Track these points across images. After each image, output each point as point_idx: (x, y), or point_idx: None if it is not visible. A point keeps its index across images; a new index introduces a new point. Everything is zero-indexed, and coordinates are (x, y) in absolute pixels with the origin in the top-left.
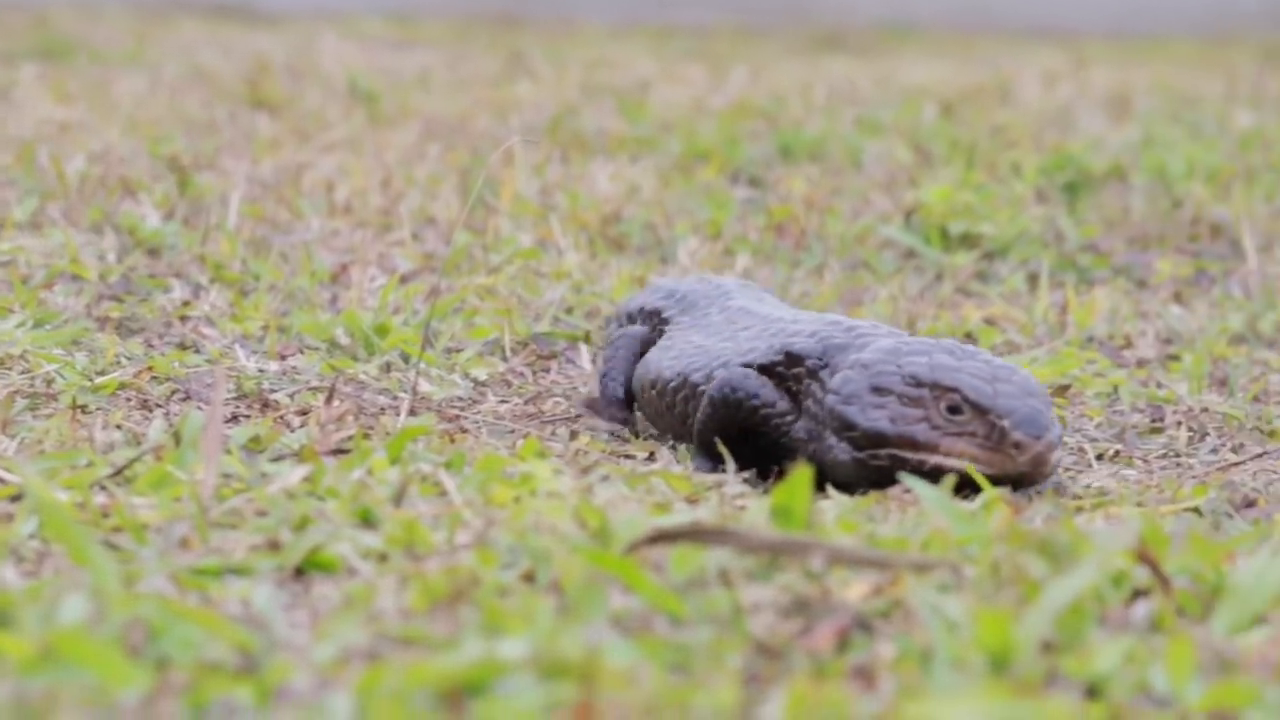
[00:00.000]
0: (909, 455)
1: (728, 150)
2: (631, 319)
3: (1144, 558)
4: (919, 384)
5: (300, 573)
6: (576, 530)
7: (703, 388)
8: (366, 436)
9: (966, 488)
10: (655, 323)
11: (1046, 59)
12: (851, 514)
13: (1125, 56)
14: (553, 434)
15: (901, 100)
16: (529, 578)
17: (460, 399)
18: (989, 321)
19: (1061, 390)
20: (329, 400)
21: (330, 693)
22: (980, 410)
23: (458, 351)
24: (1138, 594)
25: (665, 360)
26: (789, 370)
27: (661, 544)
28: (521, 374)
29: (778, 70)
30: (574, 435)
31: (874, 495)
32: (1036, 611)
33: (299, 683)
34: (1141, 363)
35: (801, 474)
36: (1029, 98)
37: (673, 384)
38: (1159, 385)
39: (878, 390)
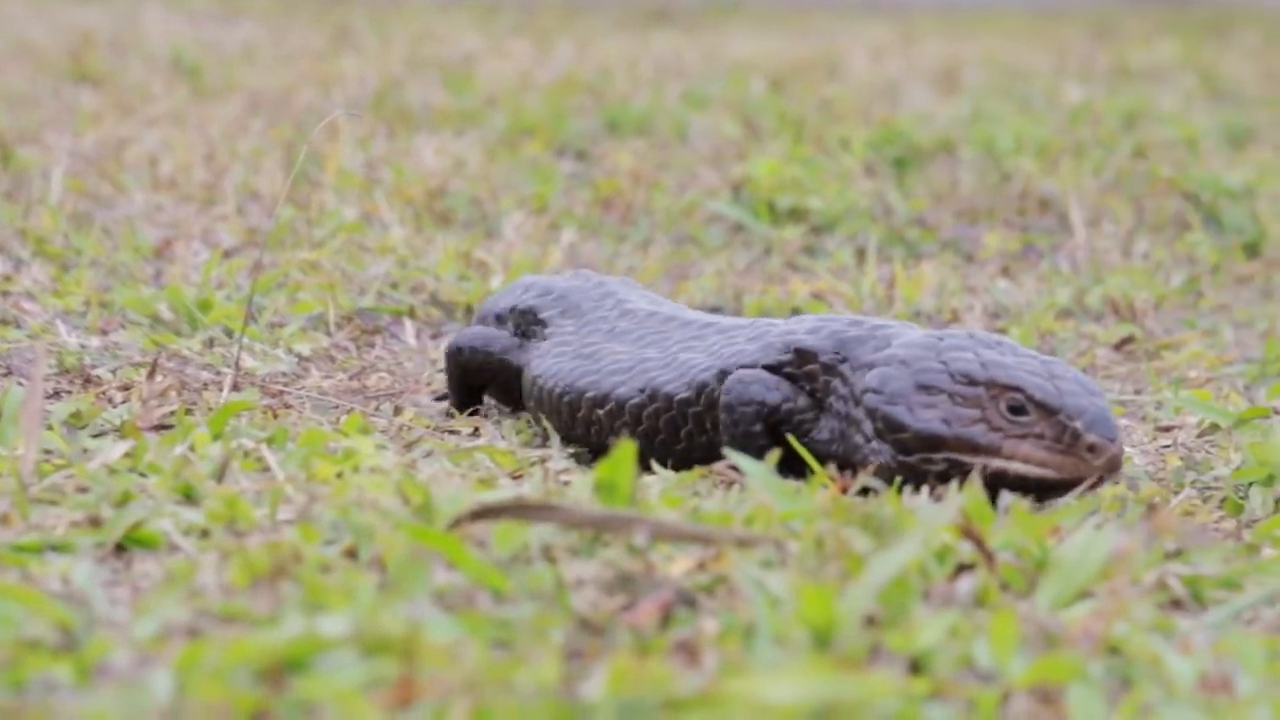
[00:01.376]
0: (967, 459)
1: (554, 124)
2: (501, 320)
3: (968, 532)
4: (973, 381)
5: (121, 549)
6: (399, 506)
7: (682, 396)
8: (189, 412)
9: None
10: (527, 323)
11: (875, 33)
12: (675, 489)
13: (954, 30)
14: (377, 409)
15: (729, 74)
16: (351, 554)
17: (284, 374)
18: (816, 296)
19: None
20: (151, 375)
21: (150, 670)
22: (1048, 410)
23: (281, 326)
24: (962, 569)
25: (591, 373)
26: (800, 369)
27: (485, 520)
28: (346, 349)
29: (604, 44)
30: (398, 411)
31: (698, 470)
32: (860, 586)
33: (119, 660)
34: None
35: (625, 449)
36: (857, 72)
37: (634, 401)
38: None
39: (925, 389)
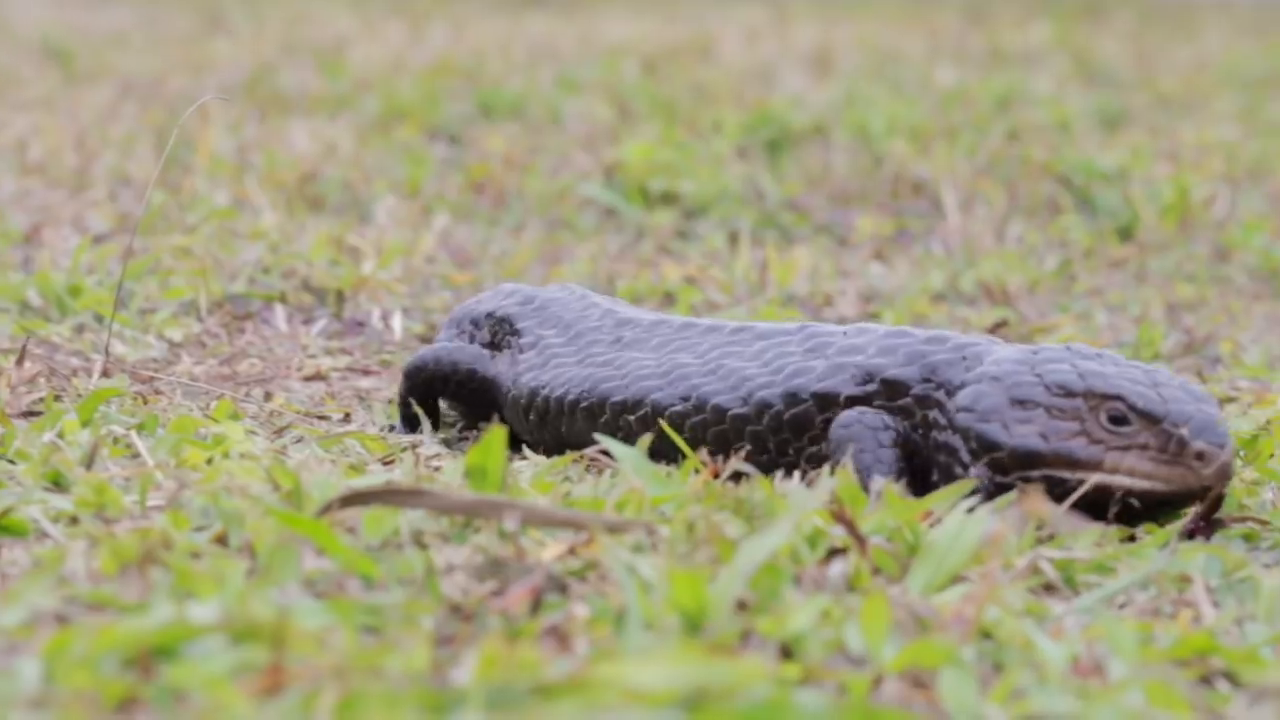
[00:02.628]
0: (1068, 475)
1: (427, 108)
2: (477, 324)
3: (840, 517)
4: (1070, 393)
5: None
6: (269, 492)
7: (738, 413)
8: (58, 398)
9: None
10: (503, 332)
11: (749, 16)
12: (547, 474)
13: (828, 13)
14: (247, 395)
15: (603, 58)
16: (221, 540)
17: (154, 360)
18: (689, 280)
19: None
20: (20, 362)
21: (18, 657)
22: (1151, 419)
23: (152, 312)
24: (834, 553)
25: (615, 378)
26: (891, 403)
27: (355, 506)
28: (217, 335)
29: (479, 27)
30: (269, 396)
31: (570, 455)
32: (731, 571)
33: None
34: (842, 320)
35: (496, 433)
36: (731, 55)
37: (677, 409)
38: None
39: (1020, 403)
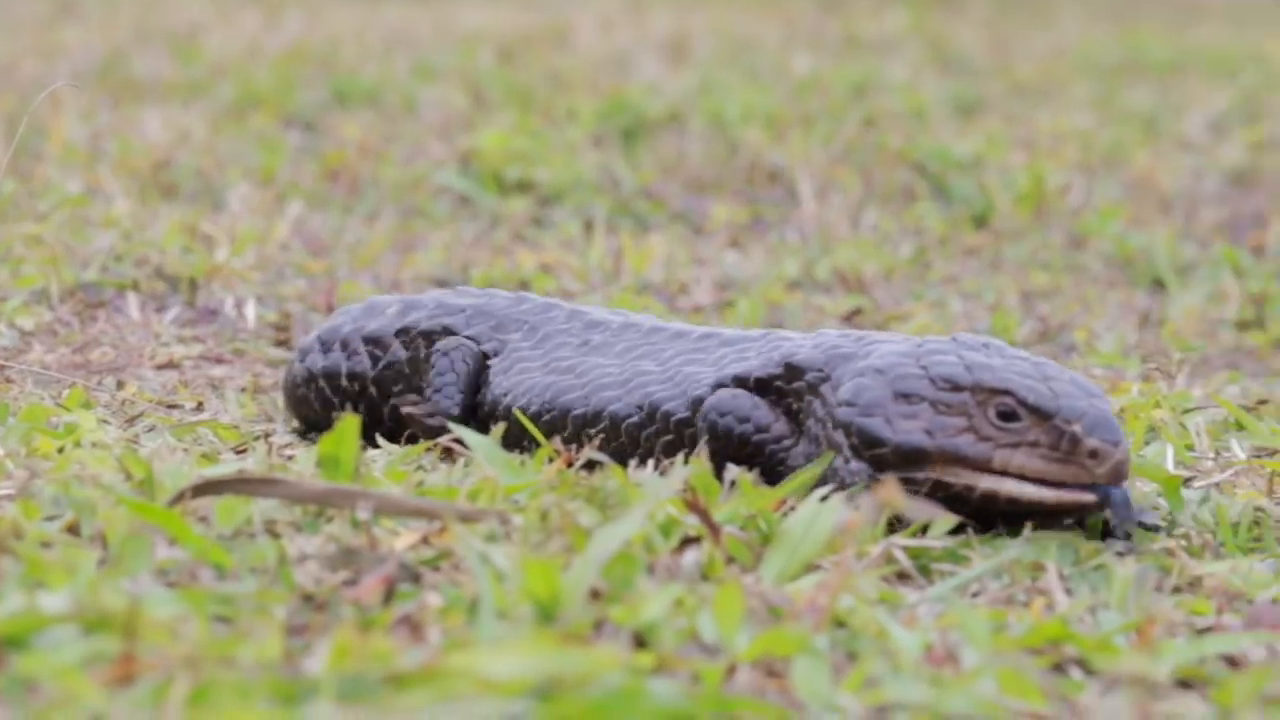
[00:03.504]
0: (952, 479)
1: (281, 95)
2: (377, 343)
3: (693, 505)
4: (956, 387)
5: None
6: (121, 481)
7: (680, 417)
8: None
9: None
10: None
11: (605, 3)
12: (400, 463)
13: (684, 1)
14: (99, 384)
15: (458, 45)
16: (72, 529)
17: (5, 348)
18: (544, 268)
19: None
20: None
21: None
22: (1042, 414)
23: (3, 300)
24: (687, 541)
25: (576, 388)
26: (789, 385)
27: (207, 495)
28: (69, 323)
29: (334, 14)
30: (121, 385)
31: (424, 444)
32: (584, 560)
33: None
34: (697, 308)
35: (349, 421)
36: (587, 42)
37: (634, 419)
38: None
39: (905, 397)
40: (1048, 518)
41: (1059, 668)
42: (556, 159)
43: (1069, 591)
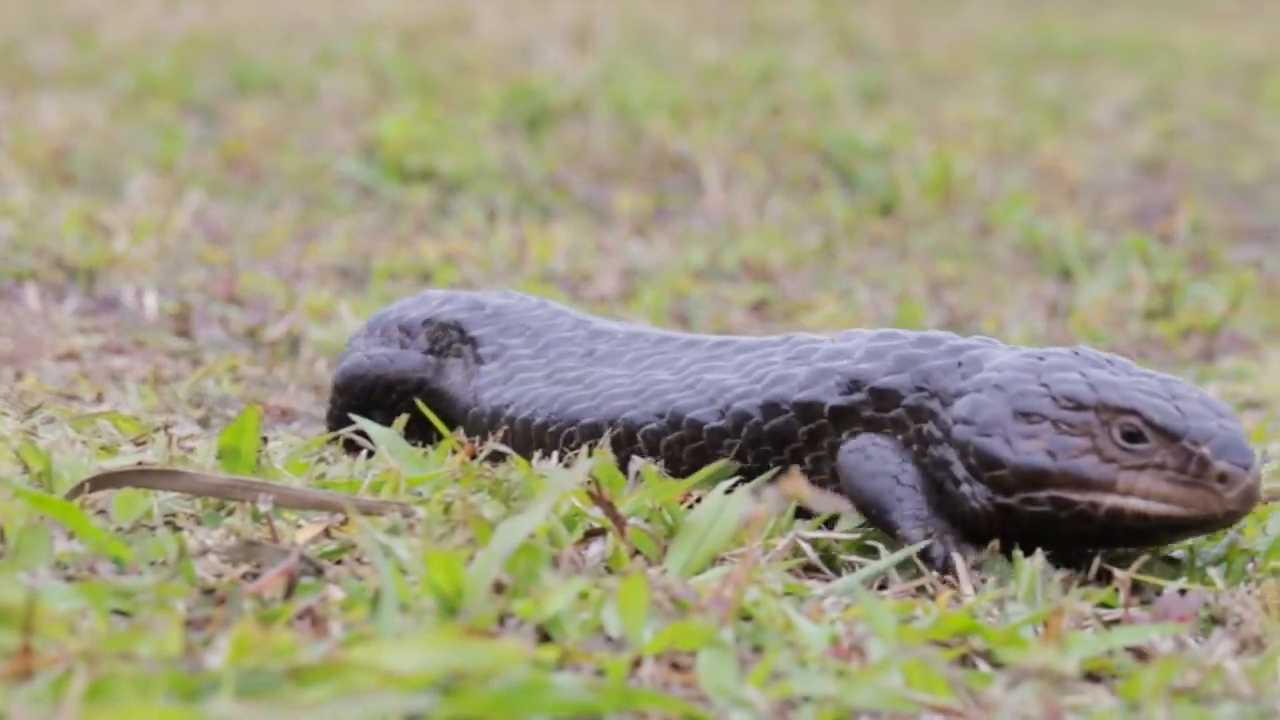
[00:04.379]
0: (1077, 496)
1: (181, 83)
2: (407, 331)
3: (598, 497)
4: (1080, 406)
5: None
6: (19, 474)
7: (714, 426)
8: None
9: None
10: (449, 340)
11: None
12: (302, 455)
13: None
14: None
15: (360, 32)
16: None
17: None
18: (448, 258)
19: None
20: None
21: None
22: (1169, 436)
23: None
24: (592, 534)
25: (585, 399)
26: (884, 413)
27: (107, 487)
28: None
29: (234, 0)
30: (19, 376)
31: (325, 435)
32: (488, 553)
33: None
34: (602, 298)
35: (250, 412)
36: (490, 29)
37: (652, 426)
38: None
39: (1025, 416)
40: (1175, 534)
41: (966, 660)
42: (460, 147)
43: (976, 584)
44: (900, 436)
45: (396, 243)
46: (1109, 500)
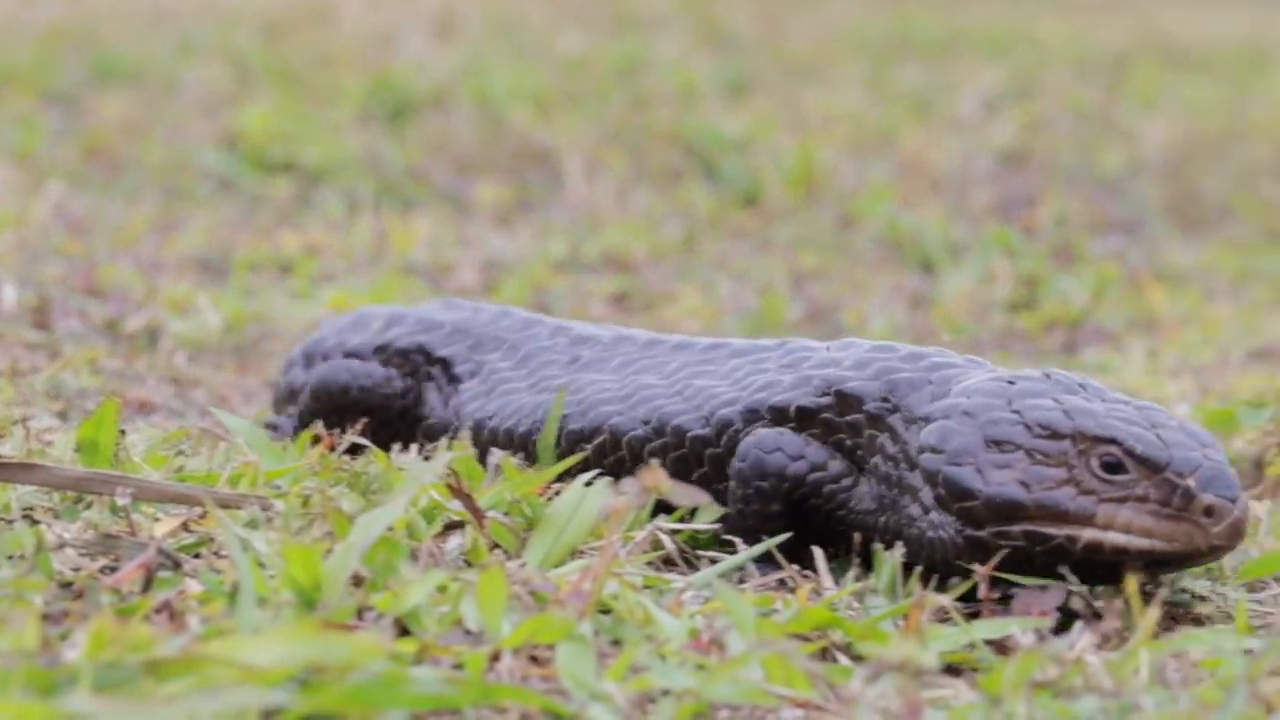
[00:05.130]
0: (1053, 530)
1: (40, 73)
2: (358, 358)
3: (457, 490)
4: (1056, 434)
5: None
6: None
7: (698, 434)
8: None
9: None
10: (414, 366)
11: None
12: (160, 448)
13: None
14: None
15: (222, 22)
16: None
17: None
18: (309, 250)
19: None
20: None
21: None
22: (1152, 466)
23: None
24: (451, 527)
25: (572, 404)
26: (840, 418)
27: None
28: None
29: None
30: None
31: (184, 429)
32: (346, 547)
33: None
34: (463, 290)
35: (108, 405)
36: (353, 19)
37: (637, 433)
38: None
39: (997, 444)
40: (1156, 569)
41: (826, 654)
42: (321, 139)
43: (837, 578)
44: (850, 442)
45: (257, 234)
46: (1087, 534)
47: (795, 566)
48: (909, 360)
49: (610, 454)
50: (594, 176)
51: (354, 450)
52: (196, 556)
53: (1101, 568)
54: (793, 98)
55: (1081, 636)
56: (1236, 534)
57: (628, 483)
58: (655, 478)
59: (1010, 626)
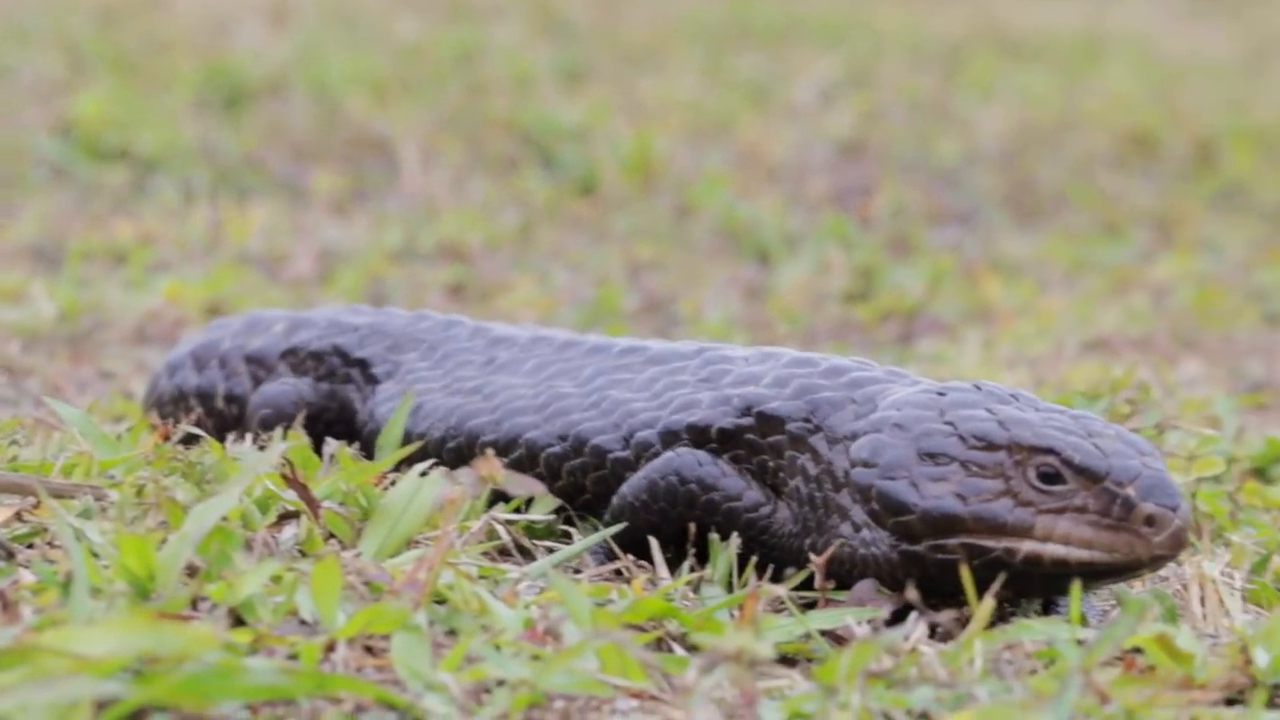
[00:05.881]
0: (991, 543)
1: None
2: (260, 363)
3: (292, 480)
4: (991, 445)
5: None
6: None
7: (618, 455)
8: None
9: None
10: (329, 369)
11: None
12: None
13: None
14: None
15: (54, 7)
16: None
17: None
18: (144, 239)
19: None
20: None
21: None
22: (1090, 476)
23: None
24: (286, 517)
25: (484, 412)
26: (763, 439)
27: None
28: None
29: None
30: None
31: (16, 419)
32: (180, 537)
33: None
34: (299, 279)
35: None
36: (188, 6)
37: (555, 450)
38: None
39: (931, 457)
40: (1096, 580)
41: (661, 644)
42: (156, 126)
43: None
44: (772, 464)
45: (91, 223)
46: (1026, 546)
47: (631, 557)
48: (829, 376)
49: (528, 469)
50: (430, 165)
51: (189, 440)
52: (30, 547)
53: (1041, 580)
54: (629, 86)
55: (916, 627)
56: (1178, 543)
57: (463, 473)
58: (490, 467)
59: (845, 617)
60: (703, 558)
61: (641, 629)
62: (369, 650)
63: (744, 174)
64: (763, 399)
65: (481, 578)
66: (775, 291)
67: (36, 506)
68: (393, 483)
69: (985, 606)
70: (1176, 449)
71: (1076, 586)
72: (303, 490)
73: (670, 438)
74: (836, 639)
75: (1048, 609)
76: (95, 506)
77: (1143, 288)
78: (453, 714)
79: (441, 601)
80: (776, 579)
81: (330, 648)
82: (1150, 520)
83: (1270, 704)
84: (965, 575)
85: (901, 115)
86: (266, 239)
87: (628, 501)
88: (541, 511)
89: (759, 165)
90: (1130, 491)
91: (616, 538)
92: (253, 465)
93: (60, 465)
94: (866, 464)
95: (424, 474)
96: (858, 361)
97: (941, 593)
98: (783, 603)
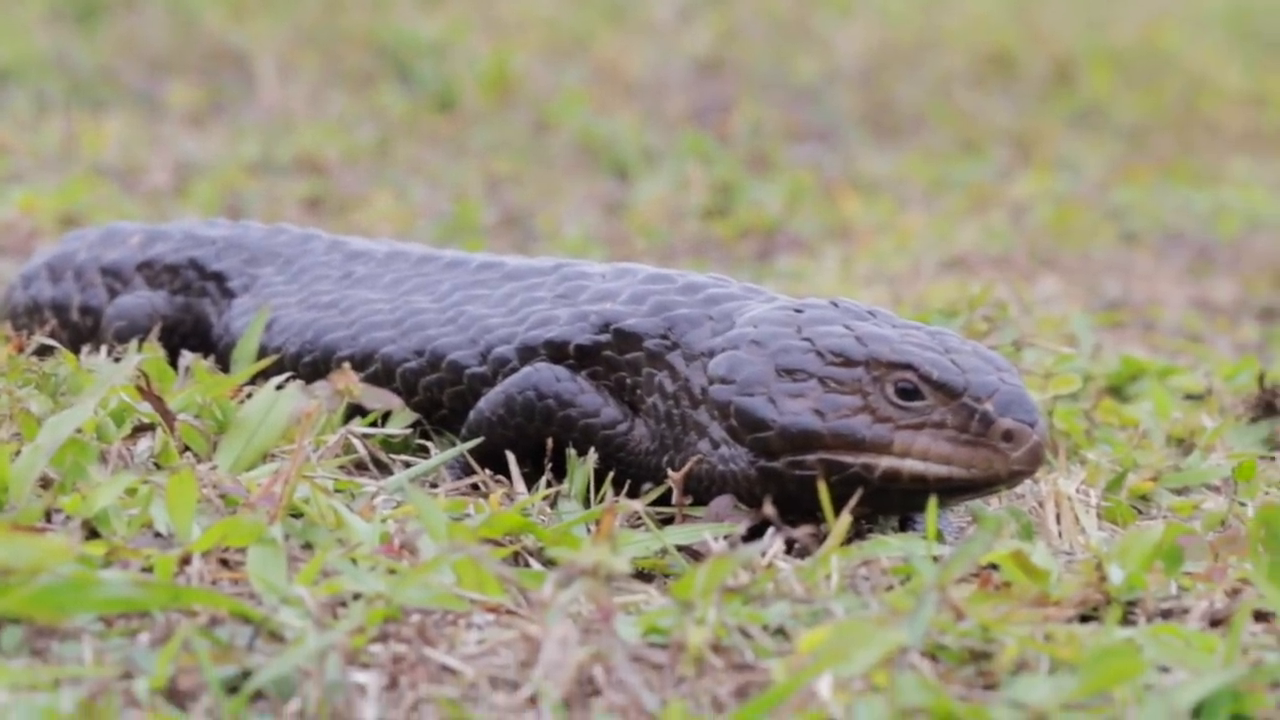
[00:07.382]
0: (849, 459)
1: None
2: (116, 275)
3: (147, 393)
4: (849, 361)
5: None
6: None
7: (475, 371)
8: None
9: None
10: (186, 281)
11: None
12: None
13: None
14: None
15: None
16: None
17: None
18: None
19: None
20: None
21: None
22: (949, 392)
23: None
24: (141, 429)
25: (341, 326)
26: (620, 355)
27: None
28: None
29: None
30: None
31: None
32: (34, 449)
33: None
34: (155, 191)
35: None
36: None
37: (411, 365)
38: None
39: (789, 373)
40: (955, 497)
41: (518, 559)
42: (9, 37)
43: (530, 482)
44: (630, 380)
45: None
46: (884, 462)
47: (488, 472)
48: (686, 292)
49: (384, 384)
50: (287, 78)
51: (44, 352)
52: None
53: (899, 496)
54: (487, 2)
55: (774, 543)
56: (1036, 459)
57: (319, 386)
58: (346, 381)
59: (703, 533)
60: (560, 473)
61: (498, 544)
62: (224, 563)
63: (602, 90)
64: (620, 315)
65: (338, 491)
66: (634, 207)
67: None
68: (249, 396)
69: (842, 522)
70: (1033, 366)
71: (933, 503)
72: (158, 403)
73: (527, 353)
74: (693, 554)
75: (904, 525)
76: None
77: (1001, 206)
78: (308, 627)
79: (297, 515)
80: (634, 494)
81: (185, 561)
82: (1008, 435)
83: (1124, 620)
84: (823, 491)
85: (760, 32)
86: (122, 151)
87: (485, 416)
88: (398, 426)
89: (617, 82)
90: (988, 407)
91: (473, 453)
92: (107, 377)
93: None
94: (724, 380)
95: (280, 388)
96: (714, 278)
97: (799, 509)
98: (640, 518)
